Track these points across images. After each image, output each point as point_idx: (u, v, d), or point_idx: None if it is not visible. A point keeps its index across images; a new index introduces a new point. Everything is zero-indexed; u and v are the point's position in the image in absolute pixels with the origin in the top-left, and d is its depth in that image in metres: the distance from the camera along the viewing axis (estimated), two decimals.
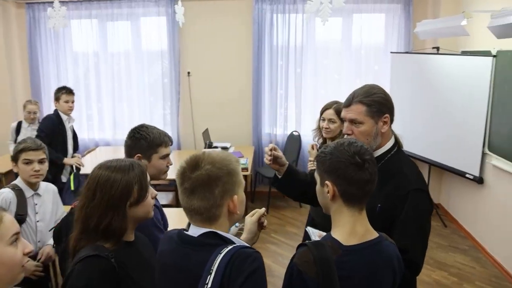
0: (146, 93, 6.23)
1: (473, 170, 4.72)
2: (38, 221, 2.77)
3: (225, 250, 1.33)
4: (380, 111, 1.90)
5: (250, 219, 1.70)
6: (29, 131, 5.04)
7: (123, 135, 6.07)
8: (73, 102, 4.58)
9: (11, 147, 4.85)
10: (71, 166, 4.67)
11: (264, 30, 5.93)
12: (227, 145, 5.95)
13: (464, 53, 5.09)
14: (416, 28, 5.00)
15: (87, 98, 6.26)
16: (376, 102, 1.90)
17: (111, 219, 1.53)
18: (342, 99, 6.58)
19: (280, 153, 2.10)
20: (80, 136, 6.13)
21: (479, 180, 4.67)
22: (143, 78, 6.19)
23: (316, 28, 5.98)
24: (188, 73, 6.16)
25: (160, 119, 6.26)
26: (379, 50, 6.03)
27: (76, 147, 4.83)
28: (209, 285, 1.29)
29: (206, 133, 5.88)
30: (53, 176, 4.45)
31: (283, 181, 2.16)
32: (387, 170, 1.76)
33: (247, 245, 1.45)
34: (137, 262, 1.62)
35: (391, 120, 1.96)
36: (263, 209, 1.73)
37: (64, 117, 4.57)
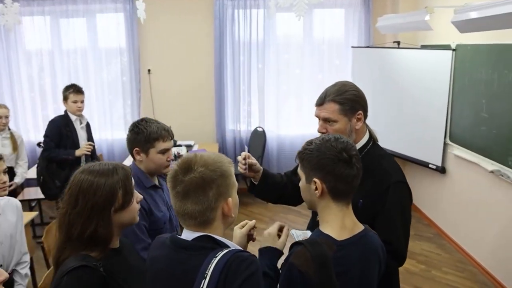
0: (105, 92, 6.01)
1: (436, 160, 4.88)
2: None
3: (221, 253, 1.30)
4: (353, 108, 1.92)
5: (240, 231, 1.64)
6: None
7: None
8: (82, 101, 4.24)
9: None
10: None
11: (225, 25, 5.86)
12: (191, 142, 5.87)
13: (424, 47, 5.24)
14: (378, 23, 5.10)
15: (42, 99, 5.97)
16: (349, 100, 1.91)
17: (96, 226, 1.46)
18: (303, 94, 6.63)
19: (253, 160, 2.09)
20: (36, 138, 5.88)
21: (442, 170, 4.83)
22: (101, 77, 5.96)
23: (277, 23, 5.98)
24: (149, 70, 5.99)
25: (120, 118, 6.07)
26: (340, 44, 6.10)
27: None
28: None
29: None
30: (62, 182, 4.14)
31: (260, 187, 2.15)
32: (366, 165, 1.78)
33: (242, 249, 1.42)
34: (125, 270, 1.55)
35: (365, 116, 1.98)
36: (254, 221, 1.68)
37: (73, 117, 4.24)
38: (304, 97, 6.20)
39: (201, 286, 1.25)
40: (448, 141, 4.74)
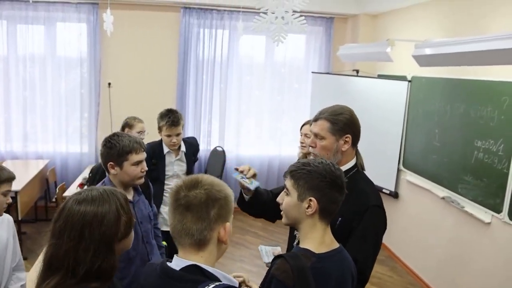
0: (62, 103, 5.81)
1: (389, 185, 5.09)
2: None
3: (211, 286, 1.26)
4: (342, 130, 2.02)
5: None
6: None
7: (35, 147, 5.70)
8: (178, 135, 3.50)
9: None
10: None
11: (190, 44, 5.89)
12: None
13: (380, 76, 5.49)
14: (339, 51, 5.31)
15: None
16: (341, 122, 2.02)
17: (103, 259, 1.34)
18: (263, 115, 6.66)
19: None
20: None
21: (395, 195, 5.04)
22: (59, 87, 5.77)
23: (240, 45, 6.08)
24: (109, 84, 5.88)
25: (76, 131, 5.89)
26: (300, 69, 6.31)
27: None
28: None
29: None
30: None
31: (250, 203, 2.19)
32: (348, 186, 1.85)
33: (233, 284, 1.37)
34: None
35: (354, 142, 2.08)
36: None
37: (165, 148, 3.58)
38: (264, 118, 6.31)
39: None
40: (401, 167, 4.97)
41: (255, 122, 6.40)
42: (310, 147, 2.11)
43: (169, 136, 3.48)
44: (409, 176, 4.84)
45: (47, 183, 5.39)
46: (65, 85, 5.81)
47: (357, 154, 2.14)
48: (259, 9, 2.65)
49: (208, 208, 1.32)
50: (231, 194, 1.40)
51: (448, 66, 3.92)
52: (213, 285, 1.26)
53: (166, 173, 3.58)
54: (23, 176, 4.99)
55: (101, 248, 1.35)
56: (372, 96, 5.25)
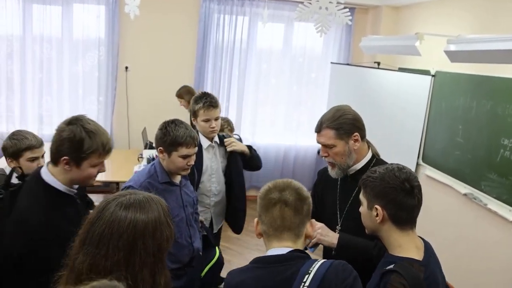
0: (79, 87, 5.74)
1: None
2: None
3: (321, 260, 1.42)
4: (348, 131, 2.03)
5: None
6: None
7: (50, 130, 5.64)
8: (217, 119, 2.99)
9: None
10: None
11: (210, 29, 5.82)
12: None
13: (402, 70, 5.44)
14: (362, 42, 5.24)
15: (8, 88, 5.59)
16: (343, 124, 2.03)
17: (161, 273, 1.23)
18: (279, 104, 6.56)
19: None
20: None
21: None
22: (76, 70, 5.70)
23: (259, 32, 6.02)
24: (126, 68, 5.81)
25: (92, 115, 5.81)
26: (319, 59, 6.24)
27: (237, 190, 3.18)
28: (307, 283, 1.33)
29: (144, 133, 5.60)
30: None
31: None
32: None
33: None
34: None
35: (362, 136, 2.09)
36: None
37: (204, 142, 3.02)
38: (280, 107, 6.27)
39: (304, 280, 1.34)
40: (420, 161, 4.95)
41: (271, 111, 6.36)
42: (324, 158, 2.11)
43: (207, 120, 2.93)
44: (428, 171, 4.82)
45: None
46: (82, 68, 5.74)
47: (369, 144, 2.16)
48: None
49: (302, 204, 1.49)
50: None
51: (479, 63, 3.87)
52: (324, 260, 1.43)
53: (206, 167, 3.05)
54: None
55: (157, 261, 1.22)
56: (393, 89, 5.21)
